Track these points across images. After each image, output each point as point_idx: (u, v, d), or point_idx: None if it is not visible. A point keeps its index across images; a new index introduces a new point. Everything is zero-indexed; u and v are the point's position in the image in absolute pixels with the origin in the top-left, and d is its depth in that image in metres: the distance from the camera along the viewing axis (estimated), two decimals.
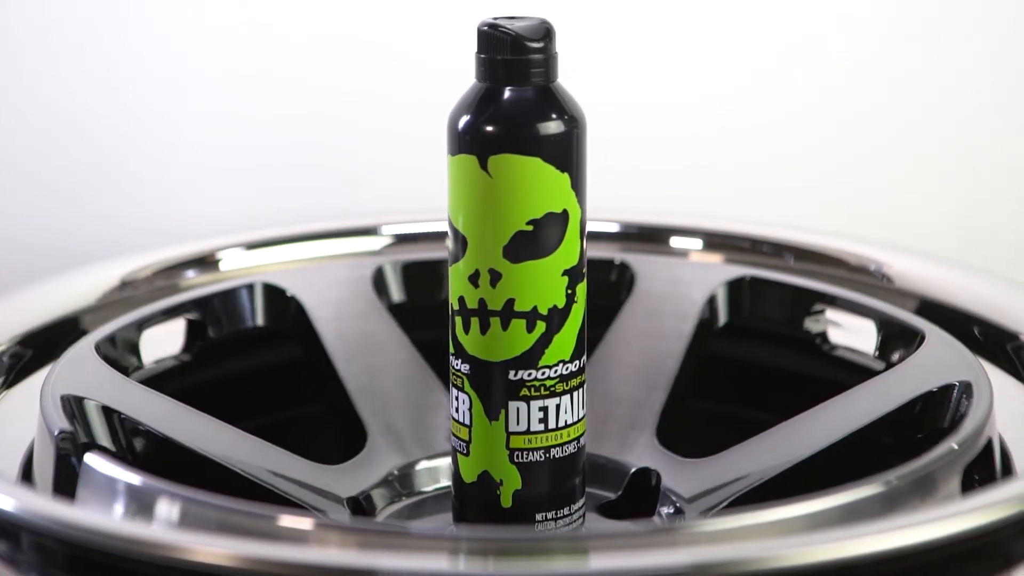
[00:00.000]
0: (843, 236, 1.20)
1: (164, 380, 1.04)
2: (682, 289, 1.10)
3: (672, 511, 0.94)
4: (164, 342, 1.06)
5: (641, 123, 1.45)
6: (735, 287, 1.11)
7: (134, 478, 0.82)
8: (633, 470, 0.98)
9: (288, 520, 0.77)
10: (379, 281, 1.13)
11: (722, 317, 1.10)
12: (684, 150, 1.46)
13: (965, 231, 1.46)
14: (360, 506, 0.95)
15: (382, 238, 1.22)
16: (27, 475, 0.90)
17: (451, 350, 0.89)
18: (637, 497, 0.98)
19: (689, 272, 1.13)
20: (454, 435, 0.90)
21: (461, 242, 0.87)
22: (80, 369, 0.96)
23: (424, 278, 1.14)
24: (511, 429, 0.87)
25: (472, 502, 0.90)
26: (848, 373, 1.05)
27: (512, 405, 0.87)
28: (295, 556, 0.74)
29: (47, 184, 1.41)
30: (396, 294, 1.14)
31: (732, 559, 0.73)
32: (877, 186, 1.47)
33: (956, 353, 0.98)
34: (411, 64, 1.43)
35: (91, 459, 0.85)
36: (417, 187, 1.41)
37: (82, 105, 1.40)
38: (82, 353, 0.98)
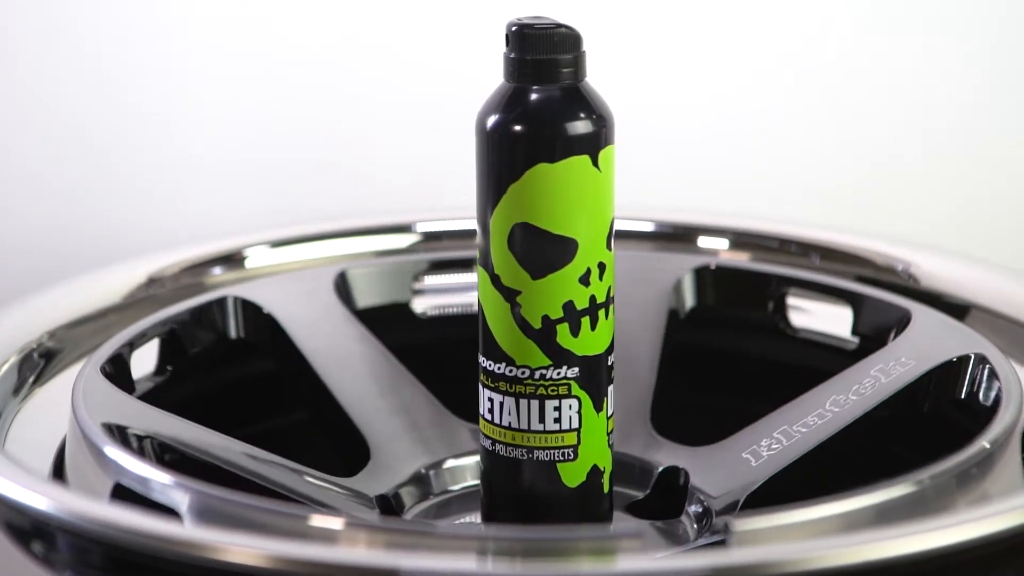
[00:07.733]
0: (871, 235, 1.20)
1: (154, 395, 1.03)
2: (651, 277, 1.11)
3: (700, 510, 0.95)
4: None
5: (651, 124, 1.45)
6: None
7: (164, 477, 0.82)
8: (661, 469, 0.98)
9: (317, 520, 0.78)
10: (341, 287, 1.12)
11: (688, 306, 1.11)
12: (694, 151, 1.46)
13: (967, 232, 1.46)
14: (389, 504, 0.95)
15: (412, 235, 1.23)
16: (58, 472, 0.91)
17: (545, 362, 0.88)
18: (665, 496, 0.98)
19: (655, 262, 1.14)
20: (551, 447, 0.89)
21: (569, 246, 0.87)
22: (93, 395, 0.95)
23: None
24: (610, 413, 0.90)
25: (574, 505, 0.90)
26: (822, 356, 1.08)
27: (609, 389, 0.90)
28: (317, 555, 0.74)
29: (47, 185, 1.41)
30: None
31: (759, 562, 0.73)
32: (883, 184, 1.47)
33: (952, 328, 1.01)
34: (414, 67, 1.43)
35: (118, 455, 0.85)
36: (416, 189, 1.42)
37: (83, 107, 1.40)
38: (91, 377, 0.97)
